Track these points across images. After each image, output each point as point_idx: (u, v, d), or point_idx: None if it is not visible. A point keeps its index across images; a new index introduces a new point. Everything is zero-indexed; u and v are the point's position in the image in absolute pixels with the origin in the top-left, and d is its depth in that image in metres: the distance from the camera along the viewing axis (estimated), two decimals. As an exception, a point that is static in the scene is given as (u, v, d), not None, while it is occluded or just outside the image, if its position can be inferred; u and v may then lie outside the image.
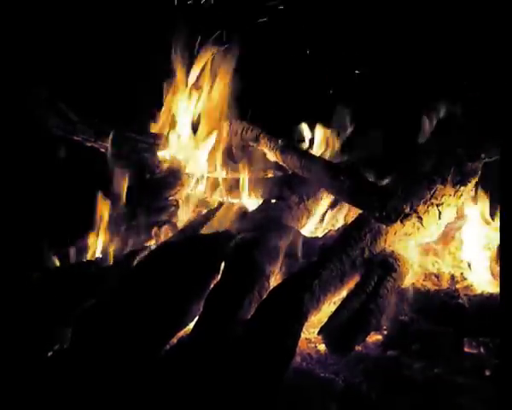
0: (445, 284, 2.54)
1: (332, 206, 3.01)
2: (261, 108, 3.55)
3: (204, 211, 3.03)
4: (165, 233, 2.85)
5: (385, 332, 2.20)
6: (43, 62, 3.53)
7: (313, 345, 2.15)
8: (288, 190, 2.99)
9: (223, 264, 2.23)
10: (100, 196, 2.74)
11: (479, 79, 3.24)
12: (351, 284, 2.27)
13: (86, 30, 3.83)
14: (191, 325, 2.01)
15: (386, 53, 3.75)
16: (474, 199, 2.78)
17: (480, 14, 3.41)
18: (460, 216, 2.79)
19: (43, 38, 3.65)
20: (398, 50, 3.72)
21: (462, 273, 2.61)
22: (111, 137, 3.16)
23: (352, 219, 2.69)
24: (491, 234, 2.68)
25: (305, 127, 3.44)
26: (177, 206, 3.05)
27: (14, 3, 3.58)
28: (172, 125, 3.45)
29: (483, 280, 2.53)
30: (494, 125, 2.58)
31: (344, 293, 2.25)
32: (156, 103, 3.52)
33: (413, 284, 2.45)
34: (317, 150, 3.33)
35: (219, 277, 2.18)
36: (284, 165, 3.20)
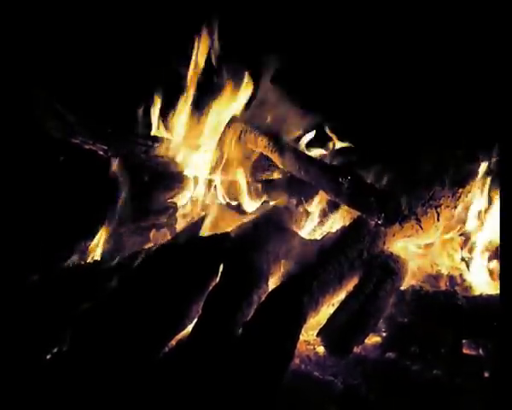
0: (443, 286, 2.55)
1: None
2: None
3: (202, 213, 3.03)
4: (163, 236, 2.85)
5: (384, 334, 2.20)
6: (41, 63, 3.52)
7: (312, 347, 2.14)
8: (286, 192, 2.99)
9: (221, 266, 2.22)
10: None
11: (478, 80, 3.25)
12: (349, 286, 2.27)
13: (84, 30, 3.82)
14: (190, 328, 2.01)
15: (386, 53, 3.75)
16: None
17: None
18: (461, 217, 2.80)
19: (41, 39, 3.64)
20: (398, 51, 3.72)
21: (460, 275, 2.61)
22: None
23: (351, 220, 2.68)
24: (491, 234, 2.68)
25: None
26: (175, 208, 3.05)
27: (13, 3, 3.58)
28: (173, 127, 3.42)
29: (482, 281, 2.53)
30: (493, 125, 2.59)
31: (343, 295, 2.25)
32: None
33: (412, 285, 2.45)
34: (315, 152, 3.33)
35: (218, 279, 2.18)
36: (283, 167, 3.19)
